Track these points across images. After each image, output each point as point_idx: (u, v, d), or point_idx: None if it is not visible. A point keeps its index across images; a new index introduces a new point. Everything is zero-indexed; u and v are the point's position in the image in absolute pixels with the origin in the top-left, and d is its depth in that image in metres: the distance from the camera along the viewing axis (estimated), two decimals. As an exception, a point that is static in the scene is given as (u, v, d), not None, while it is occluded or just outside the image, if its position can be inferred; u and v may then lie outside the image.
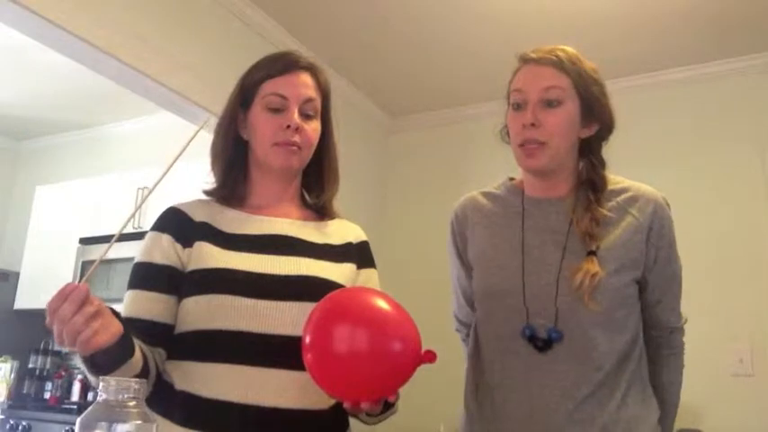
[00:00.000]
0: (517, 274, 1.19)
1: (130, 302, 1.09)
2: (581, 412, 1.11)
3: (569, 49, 1.22)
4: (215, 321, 1.04)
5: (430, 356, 0.91)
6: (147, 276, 1.10)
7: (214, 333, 1.04)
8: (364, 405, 0.93)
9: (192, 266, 1.09)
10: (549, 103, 1.17)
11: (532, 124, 1.17)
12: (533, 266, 1.18)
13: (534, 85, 1.19)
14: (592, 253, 1.15)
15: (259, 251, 1.11)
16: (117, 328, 0.91)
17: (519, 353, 1.16)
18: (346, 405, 0.95)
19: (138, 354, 0.98)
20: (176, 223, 1.14)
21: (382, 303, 0.94)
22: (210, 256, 1.09)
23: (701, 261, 2.52)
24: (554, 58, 1.19)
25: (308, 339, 0.93)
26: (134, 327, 1.03)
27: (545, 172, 1.22)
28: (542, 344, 1.14)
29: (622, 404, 1.13)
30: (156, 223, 1.16)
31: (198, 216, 1.15)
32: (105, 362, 0.91)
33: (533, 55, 1.22)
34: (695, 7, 2.66)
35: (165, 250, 1.11)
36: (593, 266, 1.13)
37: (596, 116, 1.22)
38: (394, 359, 0.90)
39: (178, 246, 1.11)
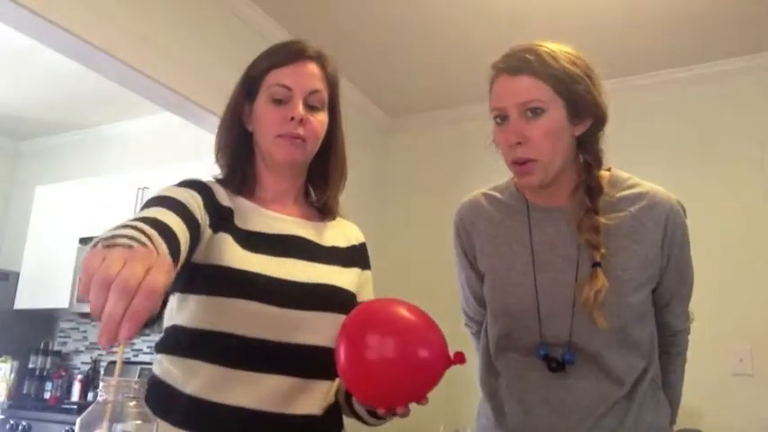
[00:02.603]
0: (530, 293, 1.15)
1: (143, 213, 0.91)
2: (601, 427, 1.11)
3: (543, 46, 1.13)
4: (222, 323, 1.02)
5: (459, 358, 0.94)
6: (166, 201, 0.97)
7: (220, 335, 1.02)
8: (400, 410, 0.95)
9: (210, 259, 1.03)
10: (532, 112, 1.09)
11: (518, 143, 1.10)
12: (548, 287, 1.15)
13: (511, 99, 1.11)
14: (597, 264, 1.09)
15: (276, 254, 1.08)
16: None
17: (537, 371, 1.14)
18: (381, 411, 0.97)
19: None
20: (207, 196, 1.07)
21: (408, 313, 0.98)
22: (230, 255, 1.04)
23: (700, 261, 2.50)
24: (526, 64, 1.10)
25: (342, 352, 0.95)
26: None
27: (545, 185, 1.16)
28: (556, 365, 1.12)
29: (639, 414, 1.14)
30: (187, 182, 1.07)
31: (223, 199, 1.10)
32: None
33: (503, 64, 1.14)
34: (696, 7, 2.66)
35: (194, 202, 1.02)
36: (598, 281, 1.08)
37: (587, 111, 1.13)
38: (426, 365, 0.93)
39: (205, 214, 1.04)
